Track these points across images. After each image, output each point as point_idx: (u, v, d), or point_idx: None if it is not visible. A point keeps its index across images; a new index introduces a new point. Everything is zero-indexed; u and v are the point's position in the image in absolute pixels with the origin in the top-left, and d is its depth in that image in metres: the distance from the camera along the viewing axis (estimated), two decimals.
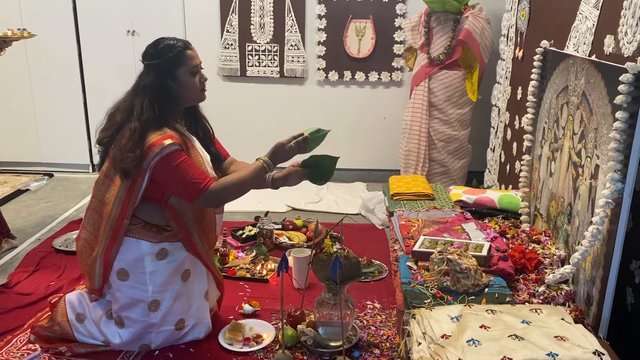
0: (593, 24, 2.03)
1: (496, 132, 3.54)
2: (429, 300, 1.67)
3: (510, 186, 3.12)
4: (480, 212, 2.52)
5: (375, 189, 4.02)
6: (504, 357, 1.33)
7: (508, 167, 3.20)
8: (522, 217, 2.36)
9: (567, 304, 1.75)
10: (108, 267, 2.05)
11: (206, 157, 2.14)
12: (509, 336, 1.41)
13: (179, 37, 2.02)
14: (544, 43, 2.27)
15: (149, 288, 2.04)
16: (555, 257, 1.93)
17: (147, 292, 2.05)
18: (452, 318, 1.53)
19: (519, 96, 3.05)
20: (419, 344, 1.46)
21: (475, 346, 1.38)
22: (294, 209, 3.77)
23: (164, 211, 2.06)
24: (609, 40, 1.88)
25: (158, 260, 2.05)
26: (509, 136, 3.23)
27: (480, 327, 1.46)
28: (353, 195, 4.02)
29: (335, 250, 2.07)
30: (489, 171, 3.68)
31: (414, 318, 1.57)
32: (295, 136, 2.03)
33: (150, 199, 2.04)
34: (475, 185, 3.24)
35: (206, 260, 2.16)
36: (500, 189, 3.29)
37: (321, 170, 2.07)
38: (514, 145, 3.10)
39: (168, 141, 1.92)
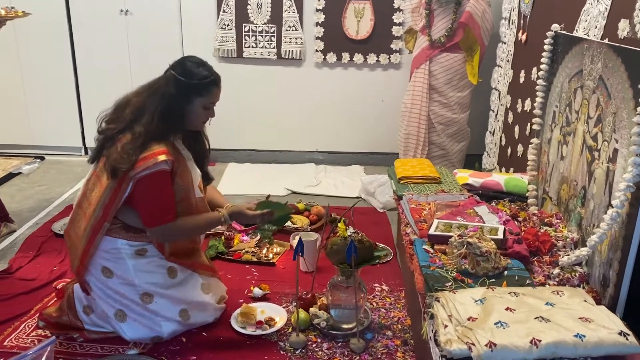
0: (606, 8, 2.04)
1: (496, 115, 3.55)
2: (450, 283, 1.68)
3: (512, 169, 3.14)
4: (487, 195, 2.53)
5: (373, 172, 4.03)
6: (533, 338, 1.35)
7: (509, 150, 3.23)
8: (530, 200, 2.38)
9: (581, 285, 1.78)
10: (83, 266, 2.02)
11: (196, 176, 2.12)
12: (535, 318, 1.43)
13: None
14: (555, 27, 2.27)
15: (135, 281, 2.03)
16: (568, 239, 1.95)
17: (135, 286, 2.03)
18: (476, 301, 1.54)
19: (521, 79, 3.06)
20: (445, 326, 1.48)
21: (504, 328, 1.40)
22: (293, 192, 3.76)
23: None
24: (623, 24, 1.89)
25: (138, 257, 2.03)
26: (510, 119, 3.25)
27: (506, 309, 1.48)
28: (351, 179, 4.02)
29: (349, 234, 2.07)
30: (488, 154, 3.70)
31: (438, 301, 1.58)
32: (262, 208, 2.11)
33: (133, 204, 2.01)
34: (478, 168, 3.26)
35: (186, 263, 2.13)
36: (501, 171, 3.31)
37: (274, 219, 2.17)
38: (516, 128, 3.12)
39: (162, 157, 1.91)
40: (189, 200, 2.05)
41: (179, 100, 1.98)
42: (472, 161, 3.90)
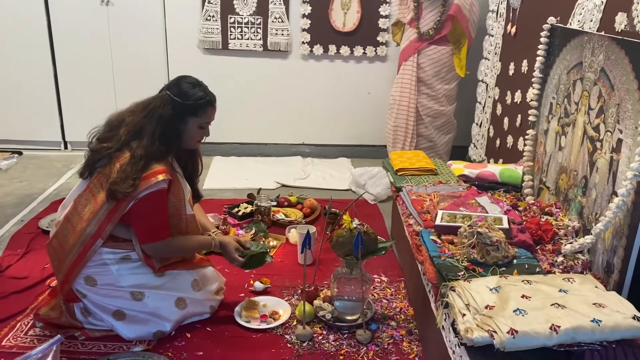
0: (602, 2, 2.09)
1: (484, 107, 3.60)
2: (462, 273, 1.71)
3: (501, 160, 3.20)
4: (482, 186, 2.58)
5: (360, 165, 4.04)
6: (552, 324, 1.38)
7: (498, 142, 3.28)
8: (526, 191, 2.42)
9: (584, 272, 1.83)
10: (68, 281, 1.98)
11: (187, 192, 2.11)
12: (552, 305, 1.46)
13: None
14: (551, 20, 2.31)
15: (121, 282, 2.01)
16: (569, 228, 2.00)
17: (122, 287, 2.01)
18: (491, 289, 1.57)
19: (511, 72, 3.11)
20: (463, 315, 1.49)
21: (523, 315, 1.42)
22: (283, 185, 3.75)
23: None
24: (620, 18, 1.94)
25: (122, 262, 2.01)
26: (499, 111, 3.30)
27: (522, 297, 1.51)
28: (339, 171, 4.03)
29: (355, 226, 2.08)
30: (475, 146, 3.76)
31: (454, 290, 1.60)
32: (246, 251, 2.18)
33: (127, 220, 1.98)
34: (468, 159, 3.30)
35: (177, 267, 2.12)
36: (489, 162, 3.37)
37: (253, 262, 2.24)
38: (505, 120, 3.17)
39: (161, 176, 1.91)
40: (179, 216, 2.05)
41: (174, 121, 1.98)
42: (458, 153, 3.95)
